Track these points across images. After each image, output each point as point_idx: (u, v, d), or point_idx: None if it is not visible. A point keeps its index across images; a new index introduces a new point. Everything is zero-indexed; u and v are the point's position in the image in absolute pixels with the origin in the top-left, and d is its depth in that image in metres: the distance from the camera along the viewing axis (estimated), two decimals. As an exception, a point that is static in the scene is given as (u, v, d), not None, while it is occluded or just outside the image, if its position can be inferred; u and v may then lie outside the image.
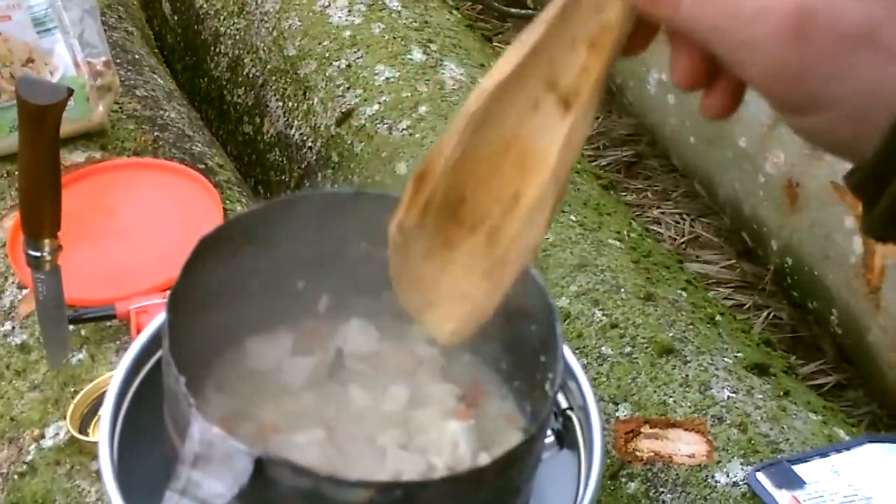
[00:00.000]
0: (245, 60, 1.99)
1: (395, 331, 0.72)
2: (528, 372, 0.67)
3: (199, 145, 1.43)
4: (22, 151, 0.91)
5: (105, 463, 0.63)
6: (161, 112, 1.45)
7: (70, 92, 0.88)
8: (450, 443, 0.65)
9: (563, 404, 0.68)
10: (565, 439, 0.69)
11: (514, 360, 0.69)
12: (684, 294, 1.49)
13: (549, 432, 0.67)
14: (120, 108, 1.39)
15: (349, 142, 1.76)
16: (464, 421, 0.67)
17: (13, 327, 1.13)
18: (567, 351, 0.69)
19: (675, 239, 2.14)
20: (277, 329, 0.72)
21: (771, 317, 1.91)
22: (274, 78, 1.92)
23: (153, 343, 0.70)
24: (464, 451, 0.65)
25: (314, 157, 1.82)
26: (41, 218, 0.95)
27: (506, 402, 0.69)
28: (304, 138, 1.84)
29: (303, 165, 1.84)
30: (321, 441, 0.65)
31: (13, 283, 1.17)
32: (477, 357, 0.71)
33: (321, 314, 0.73)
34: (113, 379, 0.69)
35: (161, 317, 0.68)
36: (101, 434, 0.66)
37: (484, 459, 0.65)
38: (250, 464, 0.52)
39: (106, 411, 0.68)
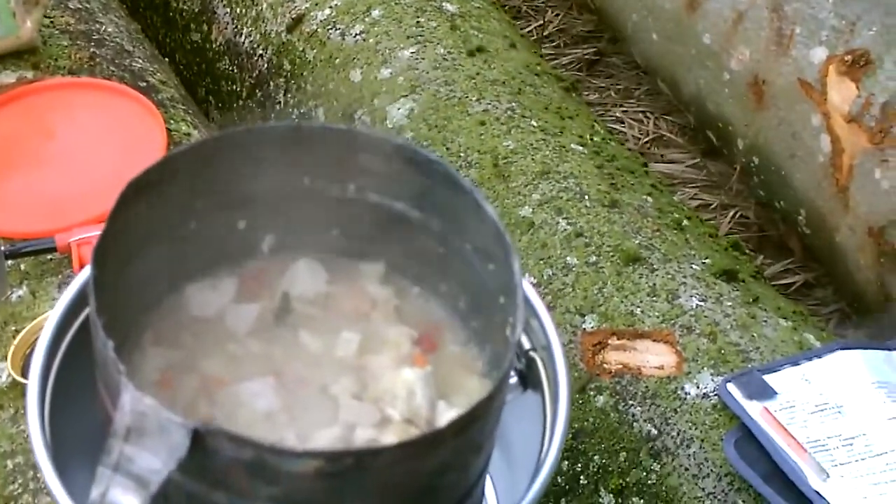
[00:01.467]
0: (189, -35, 1.91)
1: (345, 270, 0.68)
2: (486, 312, 0.63)
3: (140, 61, 1.36)
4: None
5: (34, 426, 0.59)
6: (97, 26, 1.37)
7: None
8: (405, 392, 0.61)
9: (526, 345, 0.65)
10: (529, 380, 0.65)
11: (471, 300, 0.65)
12: (650, 199, 1.46)
13: (511, 373, 0.63)
14: (51, 22, 1.31)
15: (301, 49, 1.70)
16: (420, 368, 0.63)
17: (-53, 262, 1.08)
18: (528, 288, 0.65)
19: (639, 138, 2.10)
20: (219, 274, 0.67)
21: (738, 216, 1.89)
22: (220, -17, 1.84)
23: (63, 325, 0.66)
24: (420, 400, 0.61)
25: (265, 66, 1.76)
26: (-33, 149, 0.89)
27: (464, 345, 0.65)
28: (255, 46, 1.78)
29: (254, 74, 1.78)
30: (269, 392, 0.61)
31: (-56, 214, 1.12)
32: (433, 296, 0.67)
33: (265, 255, 0.68)
34: (47, 322, 0.64)
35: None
36: (30, 392, 0.61)
37: (442, 408, 0.61)
38: (186, 436, 0.48)
39: (37, 359, 0.63)
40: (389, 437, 0.60)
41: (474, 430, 0.53)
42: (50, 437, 0.59)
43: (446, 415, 0.61)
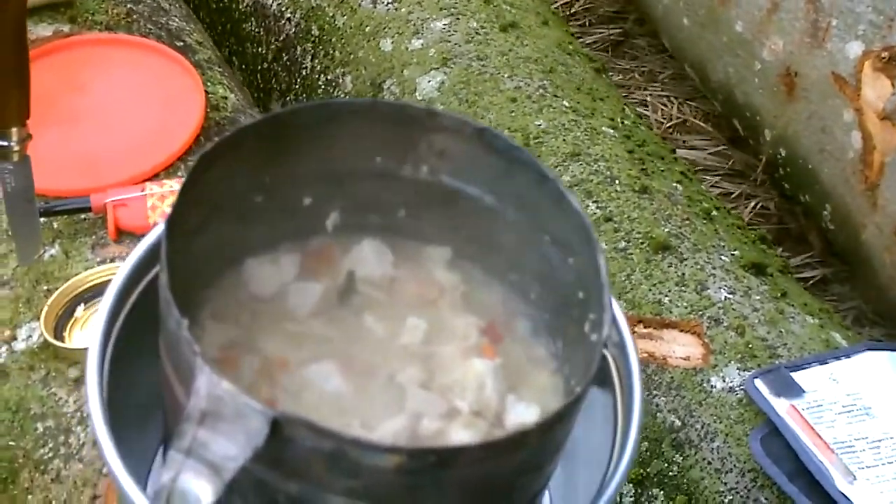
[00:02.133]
0: (218, -79, 1.88)
1: (412, 253, 0.66)
2: (560, 306, 0.61)
3: (177, 20, 1.33)
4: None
5: (93, 396, 0.57)
6: (133, -19, 1.35)
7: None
8: (475, 383, 0.59)
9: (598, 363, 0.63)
10: (596, 377, 0.63)
11: (544, 292, 0.63)
12: (679, 187, 1.44)
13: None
14: (88, -25, 1.29)
15: (331, 14, 1.68)
16: (489, 359, 0.61)
17: (-23, 216, 1.05)
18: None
19: (662, 122, 2.08)
20: (280, 249, 0.65)
21: (758, 207, 1.87)
22: (249, -57, 1.81)
23: (154, 253, 0.63)
24: (490, 392, 0.59)
25: (293, 30, 1.74)
26: (7, 104, 0.87)
27: (533, 338, 0.63)
28: (283, 9, 1.76)
29: (280, 38, 1.76)
30: (336, 376, 0.59)
31: (-24, 166, 1.09)
32: (502, 285, 0.65)
33: (329, 233, 0.66)
34: (111, 285, 0.62)
35: (162, 227, 0.62)
36: (90, 359, 0.59)
37: (511, 402, 0.60)
38: (266, 424, 0.46)
39: (99, 324, 0.61)
40: (457, 429, 0.58)
41: (558, 431, 0.52)
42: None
43: (516, 408, 0.59)
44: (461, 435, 0.58)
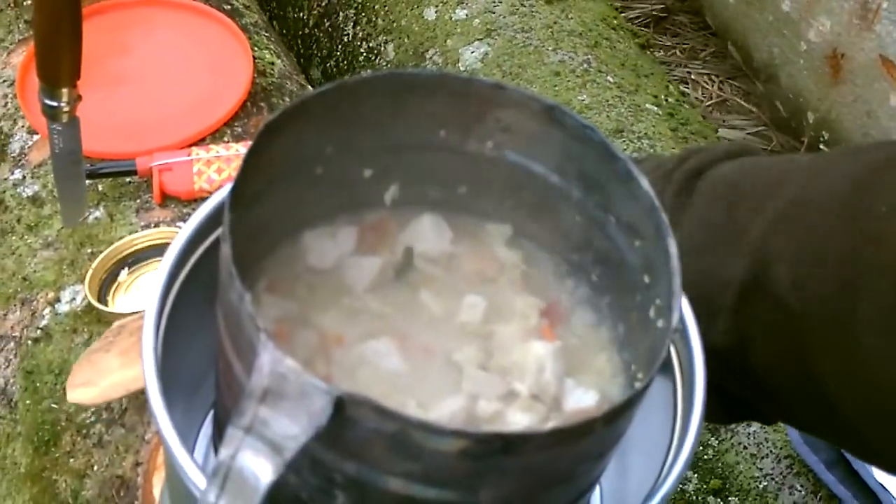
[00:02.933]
0: None
1: (471, 230, 0.65)
2: (623, 290, 0.60)
3: (224, -19, 1.32)
4: (39, -12, 0.81)
5: (149, 360, 0.56)
6: (181, -58, 1.33)
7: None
8: (535, 366, 0.58)
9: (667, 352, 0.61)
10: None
11: (606, 275, 0.61)
12: (723, 167, 1.42)
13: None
14: (136, -65, 1.27)
15: (378, -22, 1.67)
16: (549, 342, 0.59)
17: (24, 176, 1.05)
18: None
19: (702, 101, 2.06)
20: (337, 222, 0.64)
21: (798, 189, 1.85)
22: None
23: (212, 219, 0.62)
24: (549, 375, 0.58)
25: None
26: (59, 64, 0.86)
27: (594, 322, 0.62)
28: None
29: (323, 3, 1.74)
30: (394, 354, 0.58)
31: (23, 126, 1.08)
32: (564, 265, 0.64)
33: (387, 206, 0.65)
34: (169, 251, 0.61)
35: (222, 193, 0.61)
36: (147, 324, 0.58)
37: (570, 386, 0.58)
38: (330, 403, 0.45)
39: (154, 295, 0.60)
40: (515, 412, 0.57)
41: (622, 419, 0.50)
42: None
43: (574, 393, 0.58)
44: (519, 418, 0.57)
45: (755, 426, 1.11)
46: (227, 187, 0.55)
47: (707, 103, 2.05)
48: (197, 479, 0.52)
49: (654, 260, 0.55)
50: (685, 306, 0.61)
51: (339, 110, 0.58)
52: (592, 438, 0.49)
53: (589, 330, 0.62)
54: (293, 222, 0.63)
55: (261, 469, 0.46)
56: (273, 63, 1.20)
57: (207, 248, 0.63)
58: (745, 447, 1.10)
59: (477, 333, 0.60)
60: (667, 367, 0.62)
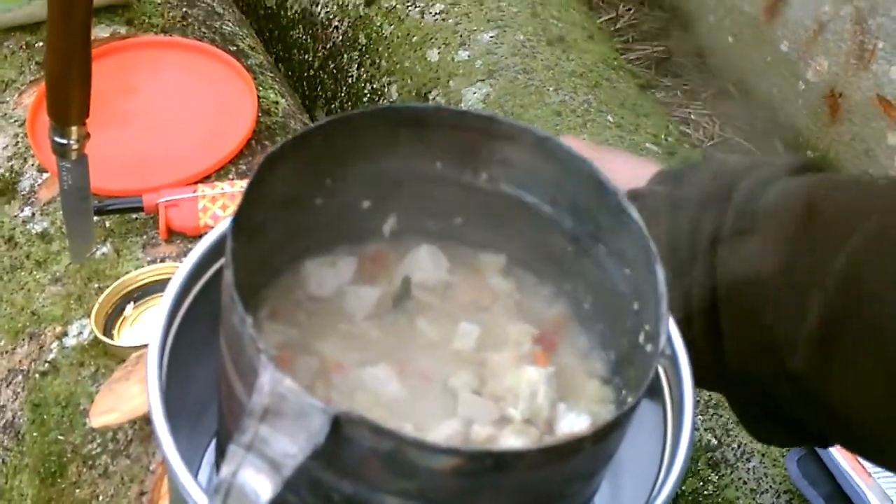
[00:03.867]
0: (269, -69, 1.90)
1: (466, 260, 0.66)
2: (613, 317, 0.61)
3: (230, 24, 1.35)
4: (51, 28, 0.84)
5: (153, 389, 0.58)
6: (189, -14, 1.37)
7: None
8: (528, 391, 0.59)
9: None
10: (649, 389, 0.64)
11: (597, 303, 0.63)
12: (722, 205, 1.44)
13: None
14: (145, -21, 1.31)
15: (378, 23, 1.69)
16: (542, 367, 0.61)
17: (33, 213, 1.07)
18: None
19: (703, 141, 2.08)
20: (337, 252, 0.66)
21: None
22: (300, -49, 1.83)
23: (213, 252, 0.64)
24: (542, 400, 0.59)
25: (340, 38, 1.75)
26: (69, 103, 0.88)
27: (586, 348, 0.64)
28: (331, 17, 1.77)
29: (328, 45, 1.77)
30: (393, 380, 0.60)
31: (33, 165, 1.11)
32: (556, 294, 0.66)
33: (385, 237, 0.67)
34: (171, 284, 0.63)
35: (222, 225, 0.63)
36: (150, 354, 0.60)
37: (562, 410, 0.60)
38: (327, 422, 0.47)
39: (160, 322, 0.62)
40: (508, 436, 0.58)
41: (611, 439, 0.52)
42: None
43: (566, 417, 0.60)
44: (512, 441, 0.58)
45: (755, 461, 1.12)
46: (228, 219, 0.57)
47: (708, 143, 2.08)
48: (200, 500, 0.53)
49: (643, 287, 0.57)
50: (674, 334, 0.63)
51: (337, 143, 0.60)
52: (582, 457, 0.51)
53: (581, 356, 0.63)
54: (294, 252, 0.65)
55: (261, 486, 0.47)
56: (277, 102, 1.22)
57: (209, 279, 0.65)
58: (744, 482, 1.11)
59: (471, 360, 0.62)
60: (657, 393, 0.63)
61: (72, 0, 0.82)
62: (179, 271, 0.63)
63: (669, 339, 0.63)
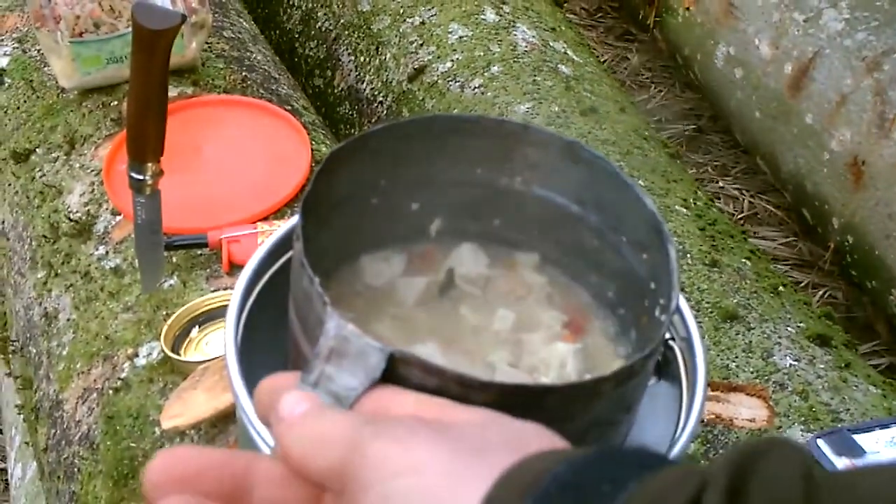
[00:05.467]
0: (318, 14, 2.02)
1: (503, 258, 0.75)
2: (634, 300, 0.69)
3: (285, 88, 1.45)
4: (133, 76, 0.94)
5: (232, 361, 0.66)
6: (248, 54, 1.48)
7: (184, 18, 0.90)
8: (558, 362, 0.67)
9: (665, 334, 0.70)
10: (664, 371, 0.71)
11: (621, 289, 0.71)
12: (748, 263, 1.51)
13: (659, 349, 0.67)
14: (209, 47, 1.42)
15: (420, 98, 1.79)
16: (571, 343, 0.69)
17: (107, 251, 1.17)
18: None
19: (734, 214, 2.15)
20: (389, 249, 0.74)
21: (826, 296, 1.93)
22: (347, 32, 1.94)
23: (261, 268, 0.73)
24: (570, 370, 0.67)
25: (385, 112, 1.85)
26: (146, 141, 0.98)
27: (610, 330, 0.71)
28: (376, 93, 1.87)
29: (373, 120, 1.87)
30: (437, 356, 0.67)
31: (107, 209, 1.21)
32: (583, 286, 0.74)
33: (432, 237, 0.75)
34: (234, 290, 0.72)
35: (273, 235, 0.71)
36: (228, 335, 0.68)
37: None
38: (383, 360, 0.54)
39: (231, 315, 0.70)
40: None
41: (630, 385, 0.59)
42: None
43: (593, 386, 0.67)
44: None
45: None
46: (284, 226, 0.66)
47: (739, 216, 2.15)
48: (267, 437, 0.61)
49: (658, 266, 0.65)
50: (689, 318, 0.70)
51: (391, 147, 0.69)
52: (603, 399, 0.58)
53: (607, 340, 0.71)
54: (351, 247, 0.73)
55: None
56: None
57: (272, 274, 0.74)
58: None
59: (508, 340, 0.70)
60: (674, 376, 0.70)
61: (153, 49, 0.92)
62: (250, 263, 0.72)
63: (685, 323, 0.71)
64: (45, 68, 1.41)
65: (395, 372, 0.55)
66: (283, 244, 0.73)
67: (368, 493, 0.44)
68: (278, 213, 1.18)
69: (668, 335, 0.71)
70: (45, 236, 1.21)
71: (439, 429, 0.46)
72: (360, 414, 0.51)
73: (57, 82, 1.34)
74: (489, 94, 1.73)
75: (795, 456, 0.36)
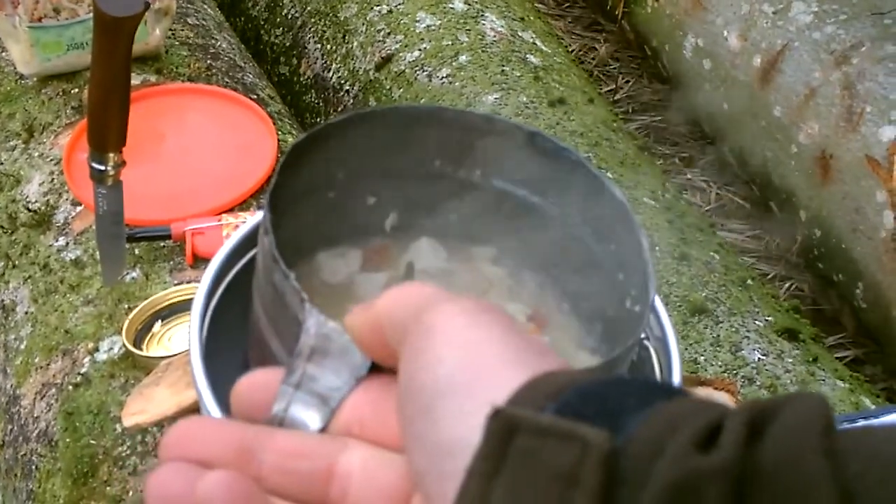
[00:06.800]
0: (284, 1, 2.01)
1: (462, 252, 0.73)
2: (601, 291, 0.68)
3: (251, 76, 1.44)
4: (95, 64, 0.92)
5: (196, 363, 0.64)
6: (213, 41, 1.46)
7: (147, 5, 0.89)
8: (523, 356, 0.66)
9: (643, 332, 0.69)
10: (638, 370, 0.70)
11: (584, 281, 0.70)
12: (717, 256, 1.50)
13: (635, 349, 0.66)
14: (173, 34, 1.40)
15: (388, 87, 1.78)
16: (537, 336, 0.68)
17: (67, 243, 1.15)
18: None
19: (701, 206, 2.15)
20: (345, 245, 0.72)
21: (793, 288, 1.93)
22: (313, 20, 1.93)
23: (228, 262, 0.72)
24: (536, 364, 0.66)
25: (351, 101, 1.84)
26: (108, 132, 0.96)
27: (574, 323, 0.70)
28: (342, 82, 1.85)
29: (339, 109, 1.86)
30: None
31: (67, 199, 1.19)
32: (545, 278, 0.72)
33: (387, 233, 0.73)
34: (200, 285, 0.70)
35: (240, 230, 0.70)
36: (192, 337, 0.67)
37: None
38: (367, 357, 0.52)
39: (196, 310, 0.68)
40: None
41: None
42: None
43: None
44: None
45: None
46: (247, 224, 0.64)
47: (706, 208, 2.15)
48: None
49: (627, 257, 0.63)
50: (664, 316, 0.69)
51: (351, 138, 0.67)
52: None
53: (570, 331, 0.70)
54: (307, 243, 0.71)
55: (310, 419, 0.52)
56: (295, 146, 1.30)
57: (234, 275, 0.72)
58: None
59: (472, 333, 0.68)
60: (649, 375, 0.69)
61: (115, 36, 0.90)
62: (216, 256, 0.70)
63: (659, 321, 0.70)
64: (3, 54, 1.38)
65: (379, 369, 0.54)
66: (252, 237, 0.72)
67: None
68: (244, 205, 1.17)
69: (642, 335, 0.70)
70: (2, 227, 1.19)
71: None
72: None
73: (15, 68, 1.32)
74: (457, 83, 1.72)
75: (820, 408, 0.35)
